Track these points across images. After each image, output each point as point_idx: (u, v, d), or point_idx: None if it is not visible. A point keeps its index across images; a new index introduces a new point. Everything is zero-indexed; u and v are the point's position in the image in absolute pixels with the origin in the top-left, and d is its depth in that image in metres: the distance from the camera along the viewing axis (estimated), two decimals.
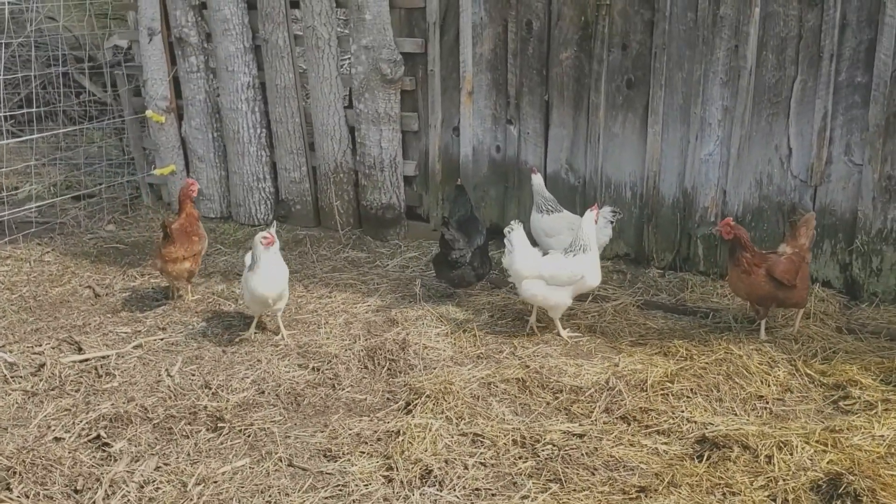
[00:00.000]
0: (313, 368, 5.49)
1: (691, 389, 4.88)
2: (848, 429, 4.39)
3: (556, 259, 5.61)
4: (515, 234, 5.69)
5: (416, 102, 7.61)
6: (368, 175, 7.76)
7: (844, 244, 6.07)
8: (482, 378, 5.28)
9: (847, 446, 4.24)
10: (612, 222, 6.29)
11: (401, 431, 4.65)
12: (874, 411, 4.61)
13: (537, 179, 6.68)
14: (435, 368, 5.43)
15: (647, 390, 4.89)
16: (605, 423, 4.69)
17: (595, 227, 5.65)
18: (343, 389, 5.23)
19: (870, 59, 5.69)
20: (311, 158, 8.10)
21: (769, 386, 4.97)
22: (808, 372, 5.08)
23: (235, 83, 8.02)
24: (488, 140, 7.34)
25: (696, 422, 4.62)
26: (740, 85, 6.15)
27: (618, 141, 6.76)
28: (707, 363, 5.20)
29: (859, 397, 4.77)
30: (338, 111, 7.81)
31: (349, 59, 7.77)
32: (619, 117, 6.71)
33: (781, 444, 4.28)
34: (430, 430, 4.61)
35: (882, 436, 4.30)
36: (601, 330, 5.84)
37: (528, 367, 5.37)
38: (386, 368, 5.48)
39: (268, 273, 5.67)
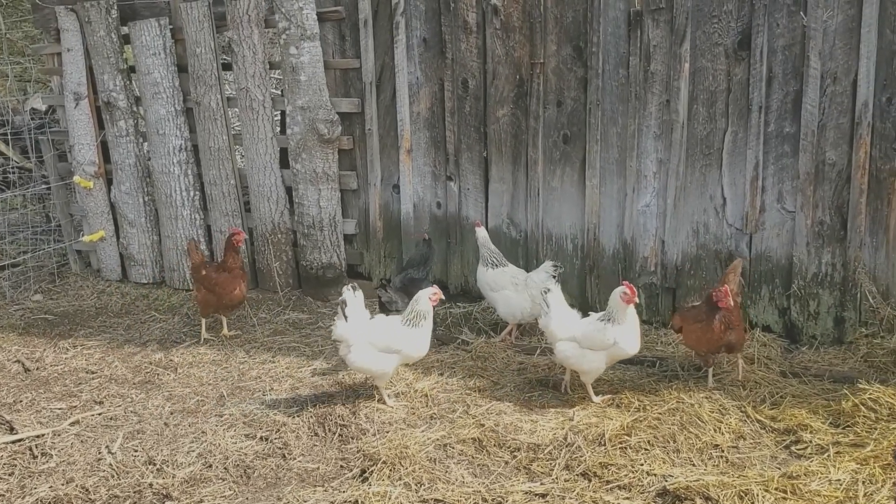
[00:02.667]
0: (261, 438, 5.33)
1: (649, 441, 4.89)
2: (805, 474, 4.44)
3: (591, 323, 5.45)
4: (552, 295, 5.61)
5: (355, 161, 7.59)
6: (307, 235, 7.67)
7: (782, 289, 6.23)
8: (437, 440, 5.19)
9: (806, 492, 4.29)
10: (553, 276, 6.32)
11: (358, 501, 4.53)
12: (826, 455, 4.69)
13: (482, 233, 6.70)
14: (388, 432, 5.33)
15: (605, 444, 4.88)
16: (566, 480, 4.65)
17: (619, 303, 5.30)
18: (294, 459, 5.08)
19: (797, 109, 5.92)
20: (248, 220, 7.98)
21: (723, 434, 5.01)
22: (759, 418, 5.15)
23: (167, 146, 7.89)
24: (429, 197, 7.35)
25: (656, 474, 4.62)
26: (673, 138, 6.31)
27: (557, 194, 6.85)
28: (661, 413, 5.23)
29: (811, 441, 4.84)
30: (274, 171, 7.74)
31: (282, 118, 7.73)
32: (557, 172, 6.81)
33: (742, 494, 4.31)
34: (389, 499, 4.50)
35: (839, 480, 4.37)
36: (553, 384, 5.83)
37: (483, 425, 5.31)
38: (337, 434, 5.35)
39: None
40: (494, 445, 5.09)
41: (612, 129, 6.53)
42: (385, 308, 6.11)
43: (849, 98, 5.77)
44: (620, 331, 5.29)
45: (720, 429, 5.07)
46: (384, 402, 5.65)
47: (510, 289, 6.53)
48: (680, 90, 6.22)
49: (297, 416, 5.54)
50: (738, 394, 5.45)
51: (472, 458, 5.01)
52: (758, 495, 4.27)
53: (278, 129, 7.85)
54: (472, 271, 7.28)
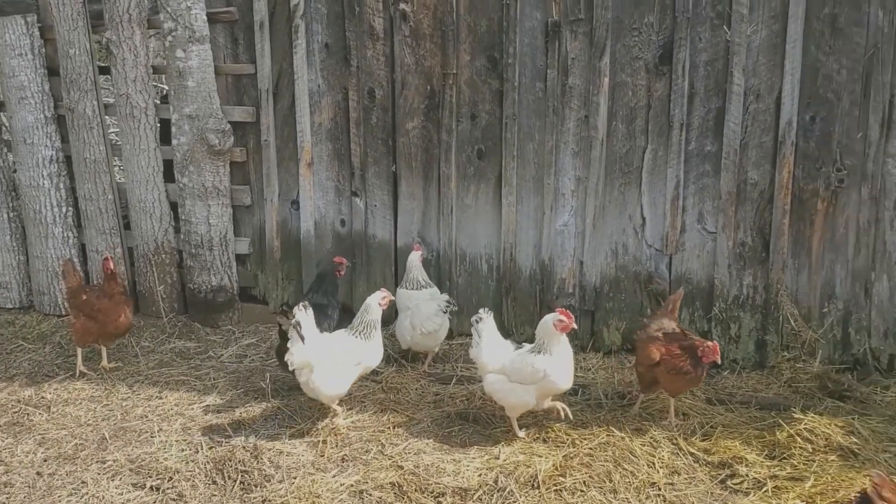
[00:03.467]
0: (152, 488, 4.73)
1: (584, 482, 4.56)
2: None
3: (520, 354, 5.07)
4: (484, 324, 5.19)
5: (249, 175, 7.00)
6: (195, 255, 7.02)
7: (703, 312, 6.05)
8: (352, 485, 4.72)
9: None
10: (445, 312, 5.93)
11: None
12: (764, 490, 4.47)
13: (415, 256, 6.26)
14: (295, 478, 4.82)
15: (539, 487, 4.51)
16: None
17: (552, 332, 4.94)
18: None
19: (719, 127, 5.75)
20: (128, 238, 7.25)
21: (657, 470, 4.74)
22: (692, 450, 4.91)
23: (35, 157, 7.08)
24: (332, 213, 6.85)
25: None
26: (592, 155, 6.05)
27: (471, 212, 6.47)
28: (592, 448, 4.92)
29: (747, 475, 4.62)
30: (157, 186, 7.06)
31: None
32: (471, 188, 6.44)
33: None
34: None
35: None
36: (473, 417, 5.44)
37: (401, 467, 4.86)
38: (238, 482, 4.79)
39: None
40: (416, 490, 4.65)
41: (529, 144, 6.21)
42: (285, 337, 5.56)
43: (772, 116, 5.64)
44: (551, 362, 4.92)
45: (654, 464, 4.79)
46: (336, 426, 5.33)
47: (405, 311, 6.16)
48: (599, 105, 5.96)
49: (192, 462, 4.96)
50: (667, 425, 5.18)
51: None
52: None
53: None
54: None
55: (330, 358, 5.17)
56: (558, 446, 4.98)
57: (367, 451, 5.11)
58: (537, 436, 5.14)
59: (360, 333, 5.26)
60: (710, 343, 4.97)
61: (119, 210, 7.24)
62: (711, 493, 4.59)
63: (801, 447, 4.77)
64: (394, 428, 5.38)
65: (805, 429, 4.88)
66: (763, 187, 5.76)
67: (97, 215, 7.21)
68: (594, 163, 6.07)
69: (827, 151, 5.60)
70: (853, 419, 4.96)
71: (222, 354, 6.67)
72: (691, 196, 5.94)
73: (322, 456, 5.07)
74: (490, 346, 5.16)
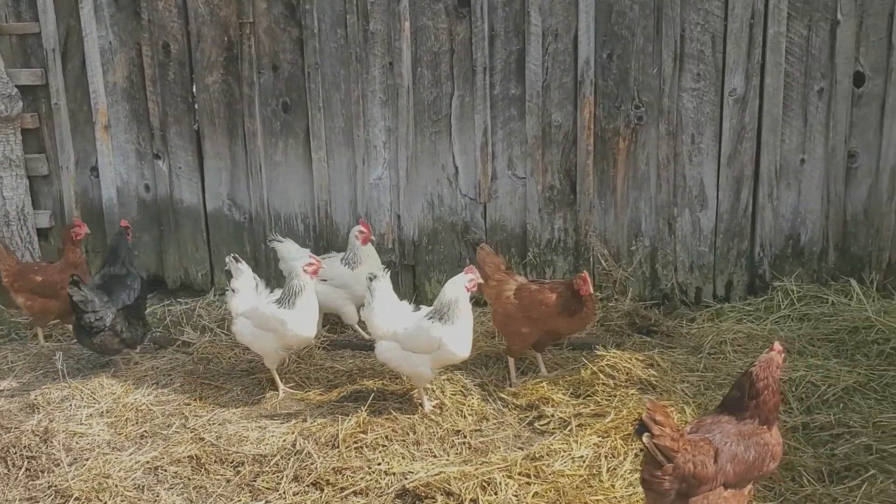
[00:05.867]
0: None
1: (386, 436, 4.43)
2: (548, 454, 4.18)
3: (417, 320, 4.60)
4: (378, 282, 4.67)
5: (44, 142, 6.49)
6: None
7: (519, 258, 6.02)
8: (147, 462, 4.44)
9: (550, 474, 4.02)
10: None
11: None
12: (569, 429, 4.46)
13: (354, 232, 5.68)
14: (88, 460, 4.49)
15: (339, 446, 4.35)
16: (295, 494, 4.08)
17: (464, 294, 4.54)
18: None
19: (521, 70, 5.68)
20: None
21: (465, 417, 4.66)
22: (502, 396, 4.86)
23: None
24: (135, 179, 6.44)
25: (395, 473, 4.16)
26: (399, 104, 5.88)
27: (281, 170, 6.20)
28: (401, 401, 4.79)
29: (553, 415, 4.61)
30: None
31: None
32: (279, 144, 6.16)
33: (485, 484, 3.96)
34: None
35: (581, 456, 4.14)
36: (286, 381, 5.22)
37: (202, 439, 4.61)
38: (24, 469, 4.44)
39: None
40: (215, 462, 4.42)
41: (336, 95, 5.98)
42: (78, 308, 5.18)
43: (571, 56, 5.61)
44: (450, 330, 4.48)
45: (462, 412, 4.71)
46: (276, 388, 5.07)
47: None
48: (402, 51, 5.78)
49: None
50: (481, 373, 5.13)
51: (189, 479, 4.30)
52: (501, 483, 3.94)
53: None
54: (193, 261, 6.50)
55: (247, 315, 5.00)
56: (370, 403, 4.82)
57: (168, 426, 4.83)
58: (349, 394, 4.98)
59: (284, 302, 4.89)
60: (580, 275, 4.78)
61: None
62: (518, 435, 4.55)
63: (603, 383, 4.79)
64: (201, 400, 5.11)
65: (607, 365, 4.91)
66: (567, 129, 5.73)
67: None
68: (402, 112, 5.90)
69: (625, 89, 5.61)
70: (653, 352, 5.02)
71: (26, 335, 6.20)
72: (500, 142, 5.86)
73: (120, 434, 4.76)
74: (384, 308, 4.66)
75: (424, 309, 4.71)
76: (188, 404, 5.06)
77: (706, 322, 5.53)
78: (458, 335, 4.54)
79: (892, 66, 5.24)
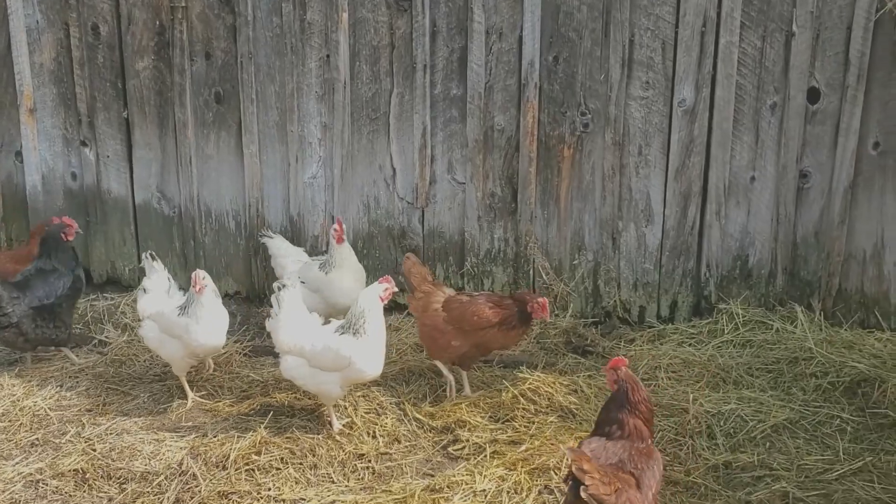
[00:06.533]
0: None
1: (282, 458, 4.14)
2: (449, 486, 3.89)
3: (325, 335, 4.28)
4: (286, 292, 4.34)
5: None
6: None
7: (456, 267, 5.72)
8: (30, 474, 4.17)
9: None
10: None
11: None
12: (483, 455, 4.17)
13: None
14: None
15: (228, 468, 4.06)
16: None
17: (377, 305, 4.26)
18: None
19: (463, 69, 5.37)
20: None
21: (376, 438, 4.37)
22: (417, 416, 4.56)
23: None
24: (61, 166, 6.12)
25: (284, 500, 3.87)
26: (336, 99, 5.56)
27: (213, 164, 5.89)
28: (309, 418, 4.50)
29: (468, 440, 4.31)
30: None
31: None
32: (211, 136, 5.85)
33: None
34: None
35: (484, 490, 3.85)
36: (198, 389, 4.93)
37: (93, 451, 4.33)
38: None
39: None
40: (101, 477, 4.14)
41: (270, 87, 5.66)
42: None
43: (516, 56, 5.29)
44: (360, 347, 4.17)
45: (374, 432, 4.42)
46: (186, 397, 4.81)
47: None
48: (340, 44, 5.46)
49: None
50: (401, 390, 4.83)
51: (69, 496, 4.03)
52: None
53: None
54: (120, 255, 6.19)
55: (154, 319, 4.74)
56: (275, 418, 4.53)
57: (63, 434, 4.54)
58: (258, 407, 4.68)
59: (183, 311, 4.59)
60: (540, 299, 4.49)
61: None
62: (429, 460, 4.26)
63: (524, 408, 4.50)
64: (104, 406, 4.82)
65: (529, 388, 4.62)
66: (510, 133, 5.42)
67: None
68: (338, 107, 5.58)
69: (571, 94, 5.30)
70: (580, 377, 4.73)
71: None
72: (440, 144, 5.55)
73: (10, 441, 4.46)
74: (289, 320, 4.33)
75: (334, 323, 4.41)
76: (89, 410, 4.78)
77: (646, 344, 5.23)
78: (369, 352, 4.23)
79: (848, 83, 4.92)
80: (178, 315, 4.55)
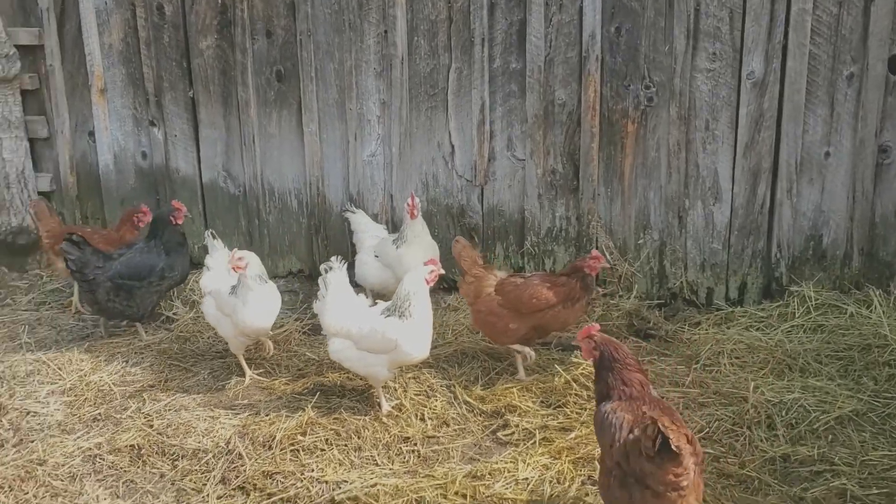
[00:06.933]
0: None
1: (327, 440, 4.13)
2: (490, 473, 3.81)
3: (370, 317, 4.23)
4: (333, 275, 4.32)
5: (44, 104, 6.36)
6: None
7: (516, 246, 5.59)
8: (89, 449, 4.27)
9: (487, 497, 3.65)
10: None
11: None
12: (532, 441, 4.07)
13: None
14: (33, 442, 4.34)
15: (274, 448, 4.08)
16: (218, 497, 3.82)
17: (423, 287, 4.19)
18: None
19: (522, 42, 5.20)
20: None
21: (424, 421, 4.32)
22: (468, 399, 4.49)
23: None
24: (132, 145, 6.25)
25: (327, 481, 3.86)
26: (394, 76, 5.49)
27: (275, 142, 5.91)
28: (359, 400, 4.48)
29: (518, 425, 4.22)
30: None
31: None
32: (273, 115, 5.86)
33: (416, 502, 3.62)
34: None
35: (526, 479, 3.75)
36: (256, 366, 4.98)
37: (151, 427, 4.41)
38: None
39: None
40: (156, 454, 4.22)
41: (329, 64, 5.63)
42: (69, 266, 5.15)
43: (576, 28, 5.09)
44: (406, 329, 4.12)
45: (423, 415, 4.37)
46: (244, 374, 4.86)
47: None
48: (397, 19, 5.37)
49: None
50: (452, 372, 4.76)
51: (123, 471, 4.11)
52: (429, 502, 3.59)
53: None
54: (189, 232, 6.23)
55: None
56: (327, 398, 4.54)
57: (124, 409, 4.65)
58: (311, 386, 4.69)
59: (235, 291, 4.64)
60: (592, 253, 4.48)
61: None
62: (478, 445, 4.19)
63: (576, 394, 4.37)
64: (166, 382, 4.91)
65: (582, 374, 4.48)
66: (571, 108, 5.24)
67: None
68: (396, 84, 5.51)
69: (635, 67, 5.07)
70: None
71: (21, 301, 6.14)
72: (499, 120, 5.41)
73: (74, 416, 4.61)
74: (337, 303, 4.29)
75: (381, 305, 4.36)
76: (151, 386, 4.88)
77: (711, 327, 5.01)
78: (415, 335, 4.18)
79: None
80: (229, 294, 4.60)
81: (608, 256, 5.38)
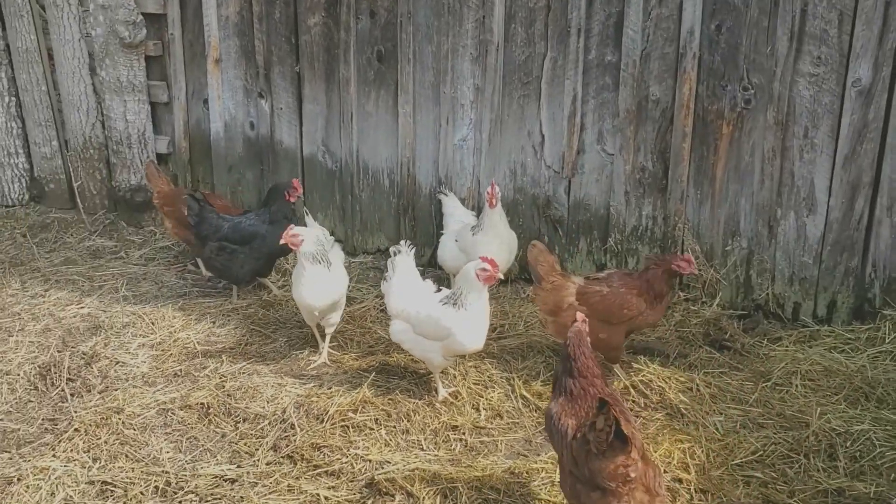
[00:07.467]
0: None
1: (377, 419, 4.23)
2: (528, 472, 3.81)
3: (429, 303, 4.32)
4: (400, 258, 4.44)
5: (165, 70, 6.71)
6: (117, 152, 6.86)
7: (600, 242, 5.50)
8: (165, 403, 4.55)
9: (520, 495, 3.66)
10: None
11: (20, 478, 3.88)
12: None
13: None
14: (117, 390, 4.67)
15: (325, 422, 4.21)
16: (267, 464, 4.00)
17: (474, 281, 4.18)
18: None
19: (619, 34, 5.07)
20: (64, 131, 7.13)
21: (478, 411, 4.35)
22: (525, 394, 4.49)
23: None
24: (241, 115, 6.51)
25: (371, 460, 3.97)
26: (489, 62, 5.47)
27: (372, 121, 6.02)
28: (417, 383, 4.56)
29: None
30: (83, 78, 6.85)
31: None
32: (371, 94, 5.97)
33: (447, 492, 3.67)
34: (50, 478, 3.85)
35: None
36: (332, 339, 5.13)
37: (223, 388, 4.65)
38: (59, 390, 4.69)
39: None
40: (222, 414, 4.45)
41: (427, 47, 5.67)
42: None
43: (675, 23, 4.92)
44: (461, 319, 4.15)
45: (478, 405, 4.41)
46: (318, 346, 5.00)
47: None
48: (495, 5, 5.35)
49: (23, 365, 4.86)
50: (514, 365, 4.76)
51: (190, 427, 4.36)
52: (462, 493, 3.63)
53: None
54: None
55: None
56: (387, 378, 4.64)
57: (204, 368, 4.92)
58: (375, 364, 4.81)
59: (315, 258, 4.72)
60: (684, 256, 4.38)
61: (54, 102, 7.11)
62: (528, 440, 4.20)
63: (633, 401, 4.29)
64: (245, 346, 5.16)
65: (641, 381, 4.38)
66: (665, 105, 5.08)
67: (33, 106, 7.09)
68: (490, 70, 5.49)
69: (734, 67, 4.86)
70: (697, 374, 4.41)
71: (134, 255, 6.55)
72: (591, 112, 5.31)
73: (158, 369, 4.91)
74: (401, 286, 4.41)
75: (443, 292, 4.40)
76: (231, 349, 5.13)
77: (792, 345, 4.79)
78: (470, 326, 4.20)
79: None
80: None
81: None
